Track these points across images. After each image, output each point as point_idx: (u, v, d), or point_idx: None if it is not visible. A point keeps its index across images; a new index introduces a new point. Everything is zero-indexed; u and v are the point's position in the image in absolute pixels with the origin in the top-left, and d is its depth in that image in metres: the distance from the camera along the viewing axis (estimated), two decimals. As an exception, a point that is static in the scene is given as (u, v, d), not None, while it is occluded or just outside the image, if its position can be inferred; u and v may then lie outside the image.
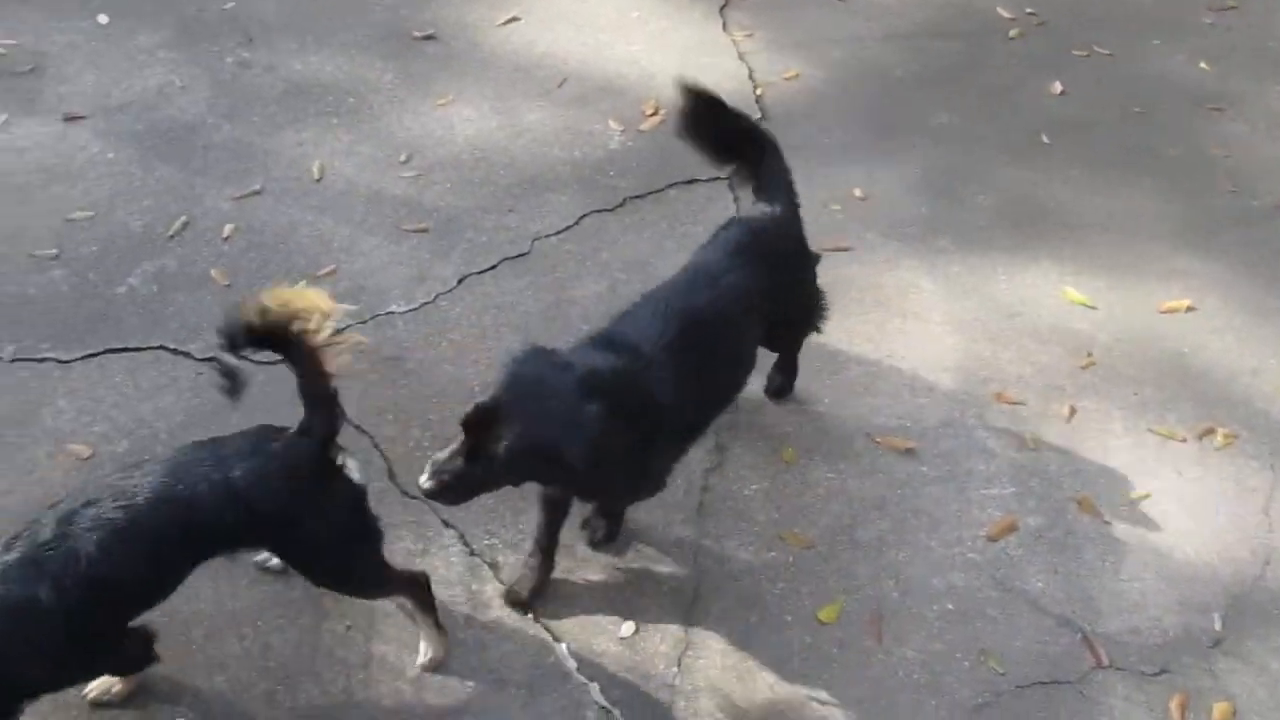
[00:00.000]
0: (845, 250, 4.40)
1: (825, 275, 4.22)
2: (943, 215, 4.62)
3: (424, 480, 2.64)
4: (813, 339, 4.01)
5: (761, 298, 3.16)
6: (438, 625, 2.97)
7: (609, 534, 3.32)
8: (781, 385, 3.79)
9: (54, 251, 4.13)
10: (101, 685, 2.84)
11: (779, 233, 3.31)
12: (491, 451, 2.58)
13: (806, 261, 3.52)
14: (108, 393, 3.65)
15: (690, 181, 4.62)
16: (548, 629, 3.14)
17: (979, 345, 4.08)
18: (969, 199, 4.71)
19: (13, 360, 3.73)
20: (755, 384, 3.82)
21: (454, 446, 2.64)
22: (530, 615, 3.16)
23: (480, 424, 2.60)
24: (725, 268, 3.11)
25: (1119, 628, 3.26)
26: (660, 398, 2.82)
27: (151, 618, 2.74)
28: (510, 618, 3.14)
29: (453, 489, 2.67)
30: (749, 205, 3.37)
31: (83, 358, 3.76)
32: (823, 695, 3.05)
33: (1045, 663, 3.18)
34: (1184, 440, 3.77)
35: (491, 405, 2.62)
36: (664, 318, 2.92)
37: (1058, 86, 5.27)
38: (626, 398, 2.71)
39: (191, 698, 2.92)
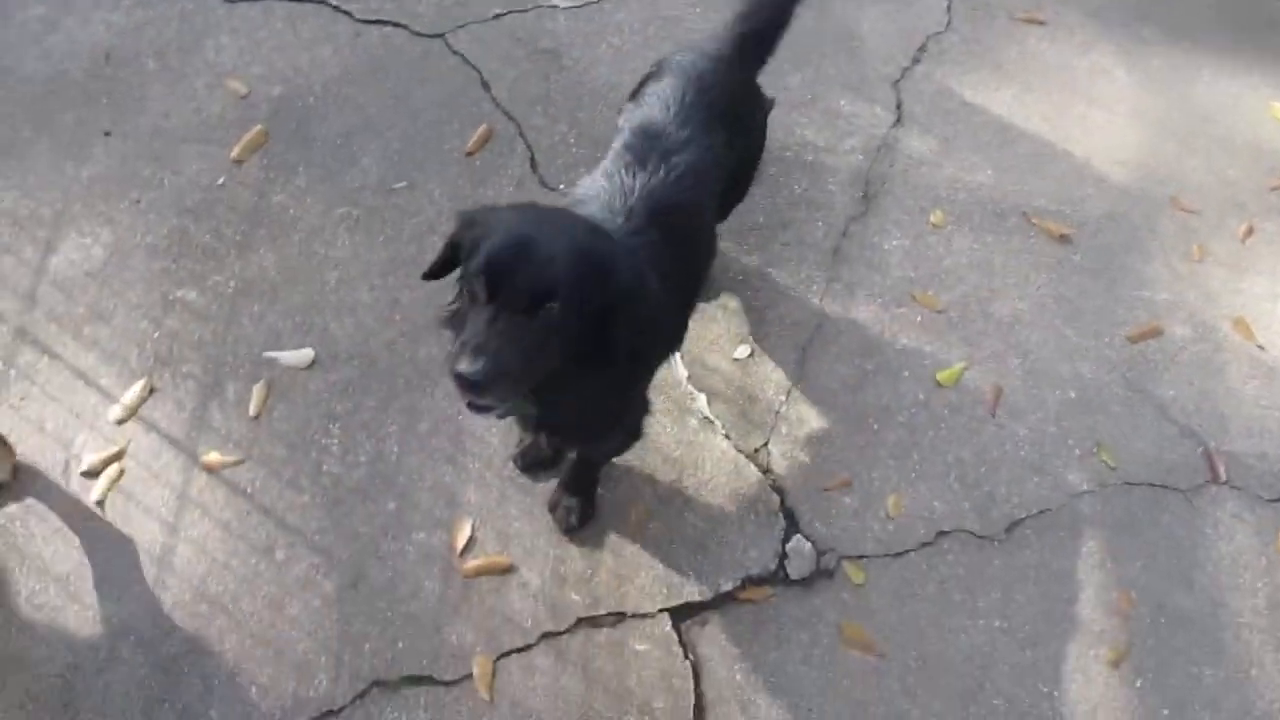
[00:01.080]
0: (1039, 24, 4.07)
1: (1014, 47, 3.95)
2: (1154, 3, 4.21)
3: (464, 365, 1.77)
4: (990, 108, 3.78)
5: (719, 169, 2.60)
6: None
7: (582, 515, 2.81)
8: None
9: (229, -110, 4.05)
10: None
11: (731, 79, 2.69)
12: (550, 294, 1.85)
13: (762, 118, 2.93)
14: (269, 36, 3.65)
15: (887, -77, 4.27)
16: (664, 336, 3.14)
17: (1164, 145, 3.79)
18: (1189, -9, 4.27)
19: (181, -10, 3.73)
20: (915, 143, 3.64)
21: (470, 314, 1.88)
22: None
23: (519, 261, 1.86)
24: (679, 142, 2.48)
25: (1245, 449, 3.13)
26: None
27: (287, 258, 2.80)
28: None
29: (511, 363, 1.82)
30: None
31: (248, -1, 3.74)
32: (925, 450, 3.02)
33: (1159, 467, 3.08)
34: (1366, 280, 3.50)
35: (526, 233, 1.90)
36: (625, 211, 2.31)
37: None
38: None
39: (320, 333, 3.03)
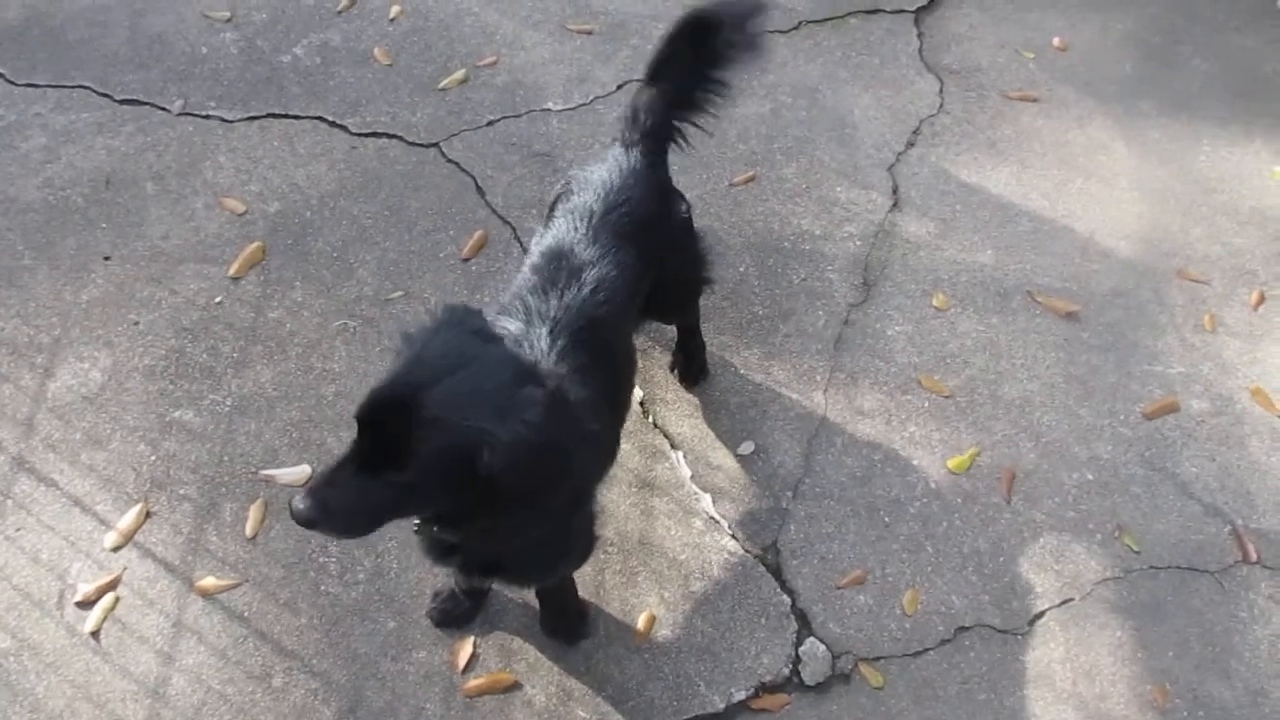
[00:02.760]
0: (1033, 101, 4.07)
1: (1008, 125, 3.95)
2: (1150, 76, 4.21)
3: (298, 502, 1.79)
4: (987, 188, 3.77)
5: (636, 282, 2.51)
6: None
7: (579, 623, 2.73)
8: (688, 366, 3.17)
9: (227, 15, 4.15)
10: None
11: (641, 195, 2.58)
12: (401, 457, 1.76)
13: (680, 225, 2.80)
14: (265, 154, 3.70)
15: (873, 11, 4.34)
16: (665, 435, 3.09)
17: (1167, 217, 3.74)
18: (1183, 62, 4.26)
19: (180, 114, 3.80)
20: (913, 226, 3.64)
21: (343, 454, 1.82)
22: (649, 419, 3.11)
23: (384, 417, 1.79)
24: (589, 259, 2.42)
25: (1275, 526, 3.01)
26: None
27: (284, 373, 2.77)
28: (630, 418, 3.10)
29: (342, 516, 1.83)
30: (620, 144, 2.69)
31: (245, 119, 3.80)
32: (940, 541, 2.93)
33: (1186, 549, 2.97)
34: (1386, 344, 3.41)
35: (398, 391, 1.81)
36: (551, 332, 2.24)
37: (1306, -51, 4.67)
38: (560, 396, 1.97)
39: (317, 448, 3.00)
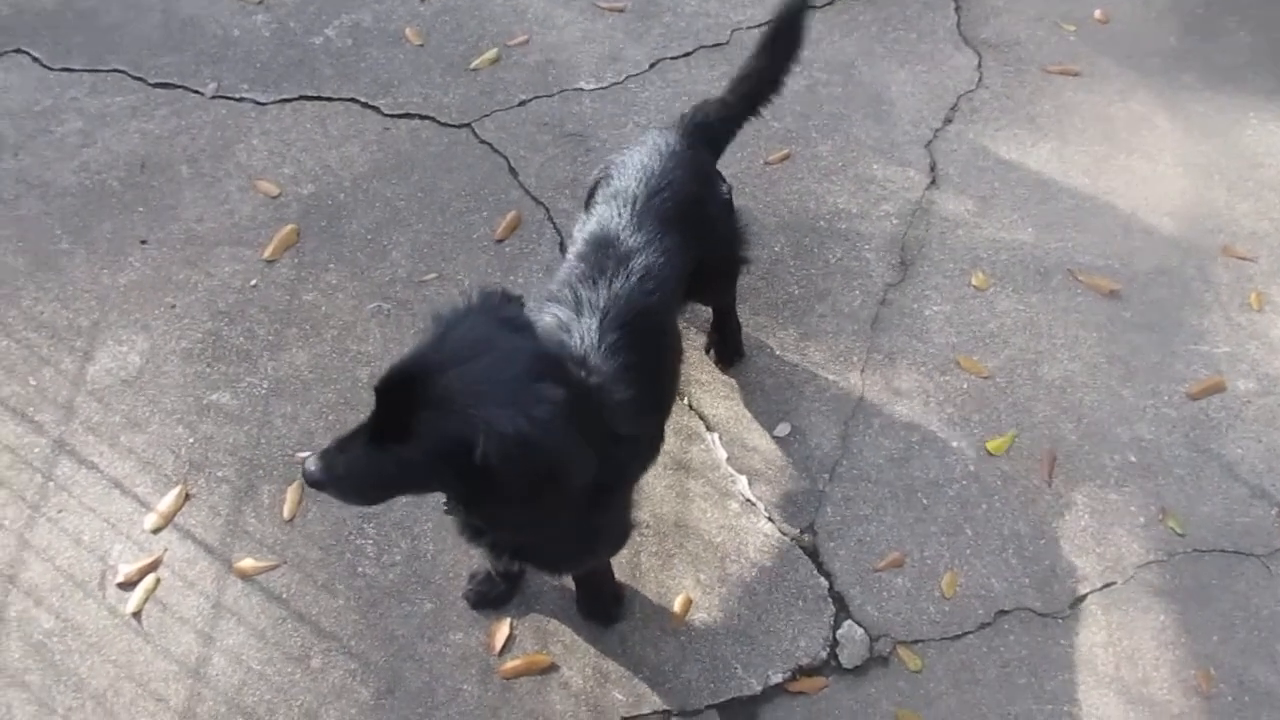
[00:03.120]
0: (1074, 75, 3.99)
1: (1048, 100, 3.88)
2: (1193, 48, 4.11)
3: (310, 462, 1.85)
4: (1027, 164, 3.71)
5: (680, 270, 2.48)
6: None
7: (615, 606, 2.73)
8: (724, 346, 3.15)
9: (259, -3, 4.15)
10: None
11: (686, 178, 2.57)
12: (406, 434, 1.78)
13: (722, 207, 2.77)
14: (298, 137, 3.69)
15: (911, -15, 4.26)
16: (701, 417, 3.07)
17: (1213, 192, 3.66)
18: (1227, 34, 4.16)
19: (213, 97, 3.80)
20: (951, 204, 3.58)
21: (360, 423, 1.86)
22: (684, 400, 3.09)
23: (396, 392, 1.82)
24: (635, 247, 2.39)
25: (1324, 508, 2.96)
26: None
27: (320, 356, 2.77)
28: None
29: (349, 482, 1.87)
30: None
31: (278, 101, 3.80)
32: (979, 524, 2.89)
33: (1231, 531, 2.92)
34: None
35: (414, 369, 1.83)
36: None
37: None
38: (586, 408, 1.94)
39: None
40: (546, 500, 1.86)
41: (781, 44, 2.83)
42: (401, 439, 1.78)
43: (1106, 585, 2.81)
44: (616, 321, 2.22)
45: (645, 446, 2.35)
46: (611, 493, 2.20)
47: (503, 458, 1.72)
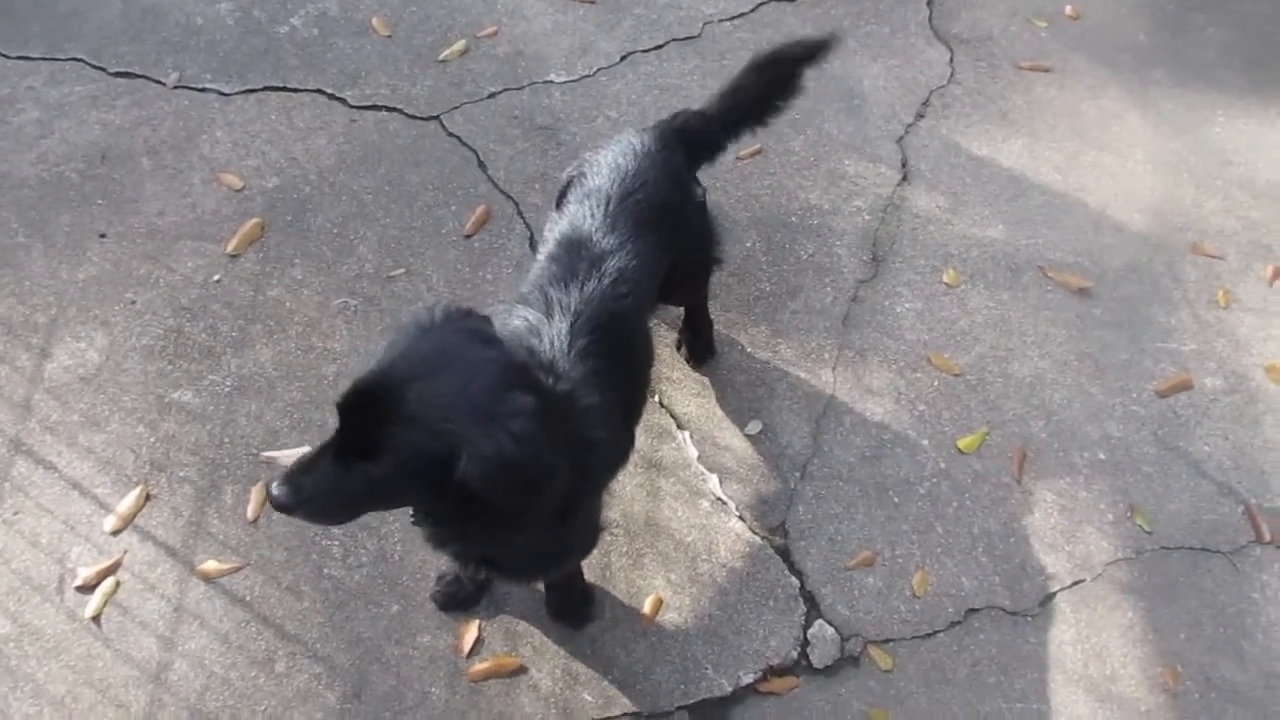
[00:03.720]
0: (1045, 71, 3.99)
1: (1020, 96, 3.87)
2: (1163, 45, 4.12)
3: (275, 487, 1.78)
4: (999, 160, 3.71)
5: (654, 272, 2.45)
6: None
7: (585, 606, 2.71)
8: (695, 343, 3.13)
9: (223, -16, 4.07)
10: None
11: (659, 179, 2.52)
12: (374, 452, 1.73)
13: (695, 209, 2.73)
14: (263, 128, 3.62)
15: (883, -21, 4.24)
16: (672, 415, 3.04)
17: (1181, 190, 3.67)
18: (1197, 30, 4.18)
19: (175, 87, 3.72)
20: (923, 200, 3.58)
21: (325, 441, 1.80)
22: (655, 398, 3.06)
23: (361, 408, 1.76)
24: (608, 248, 2.35)
25: (1289, 506, 2.98)
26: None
27: (285, 353, 2.72)
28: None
29: (317, 503, 1.81)
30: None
31: (242, 92, 3.73)
32: (950, 522, 2.89)
33: (1199, 529, 2.94)
34: (1404, 320, 3.35)
35: (379, 383, 1.76)
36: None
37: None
38: (556, 414, 1.91)
39: (318, 429, 2.96)
40: (521, 512, 1.83)
41: (775, 74, 2.77)
42: (369, 456, 1.73)
43: (1076, 583, 2.82)
44: (588, 326, 2.18)
45: (615, 452, 2.32)
46: (581, 499, 2.17)
47: (484, 478, 1.69)
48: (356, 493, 1.79)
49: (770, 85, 2.78)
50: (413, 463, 1.72)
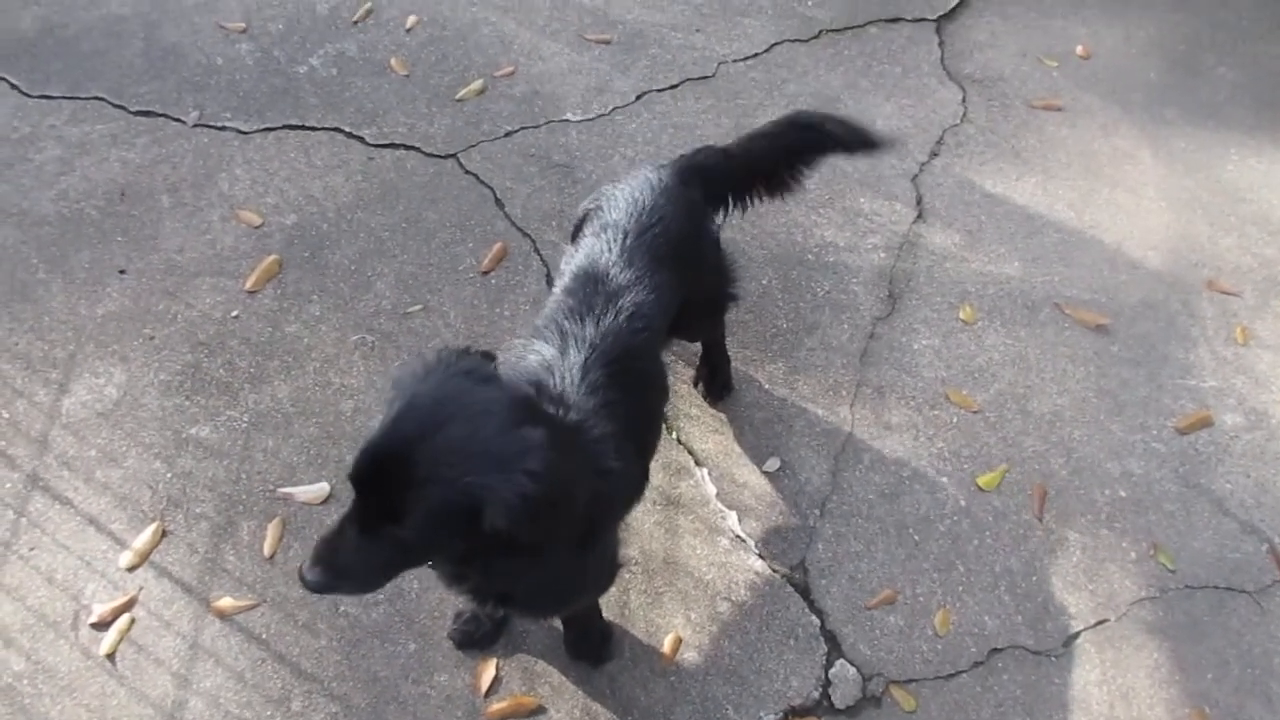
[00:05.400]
0: (1057, 109, 4.01)
1: (1033, 135, 3.90)
2: (1175, 84, 4.15)
3: (307, 572, 1.78)
4: (1013, 198, 3.72)
5: (668, 309, 2.46)
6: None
7: (604, 644, 2.68)
8: (712, 380, 3.12)
9: (242, 25, 4.11)
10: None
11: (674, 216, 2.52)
12: (398, 515, 1.72)
13: (708, 246, 2.71)
14: (281, 166, 3.65)
15: (894, 20, 4.28)
16: (690, 451, 3.03)
17: (1196, 227, 3.68)
18: (1208, 70, 4.20)
19: (195, 125, 3.76)
20: (938, 237, 3.58)
21: (344, 513, 1.79)
22: (672, 435, 3.05)
23: (378, 477, 1.74)
24: (624, 284, 2.35)
25: (1314, 544, 2.95)
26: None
27: (302, 389, 2.71)
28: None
29: (353, 577, 1.82)
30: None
31: (261, 130, 3.76)
32: (971, 560, 2.87)
33: (1223, 568, 2.91)
34: None
35: (389, 448, 1.74)
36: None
37: (1332, -44, 4.61)
38: (567, 442, 1.95)
39: (335, 465, 2.95)
40: (549, 542, 1.82)
41: (812, 138, 2.77)
42: (393, 519, 1.72)
43: (1100, 622, 2.79)
44: (601, 360, 2.18)
45: (629, 483, 2.30)
46: (599, 529, 2.16)
47: (512, 521, 1.69)
48: (388, 559, 1.79)
49: (802, 145, 2.77)
50: (439, 520, 1.71)
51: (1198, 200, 3.76)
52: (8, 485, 2.87)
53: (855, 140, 2.78)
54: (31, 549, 2.77)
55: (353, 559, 1.77)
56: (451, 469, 1.69)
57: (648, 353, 2.36)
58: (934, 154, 3.84)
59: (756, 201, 2.82)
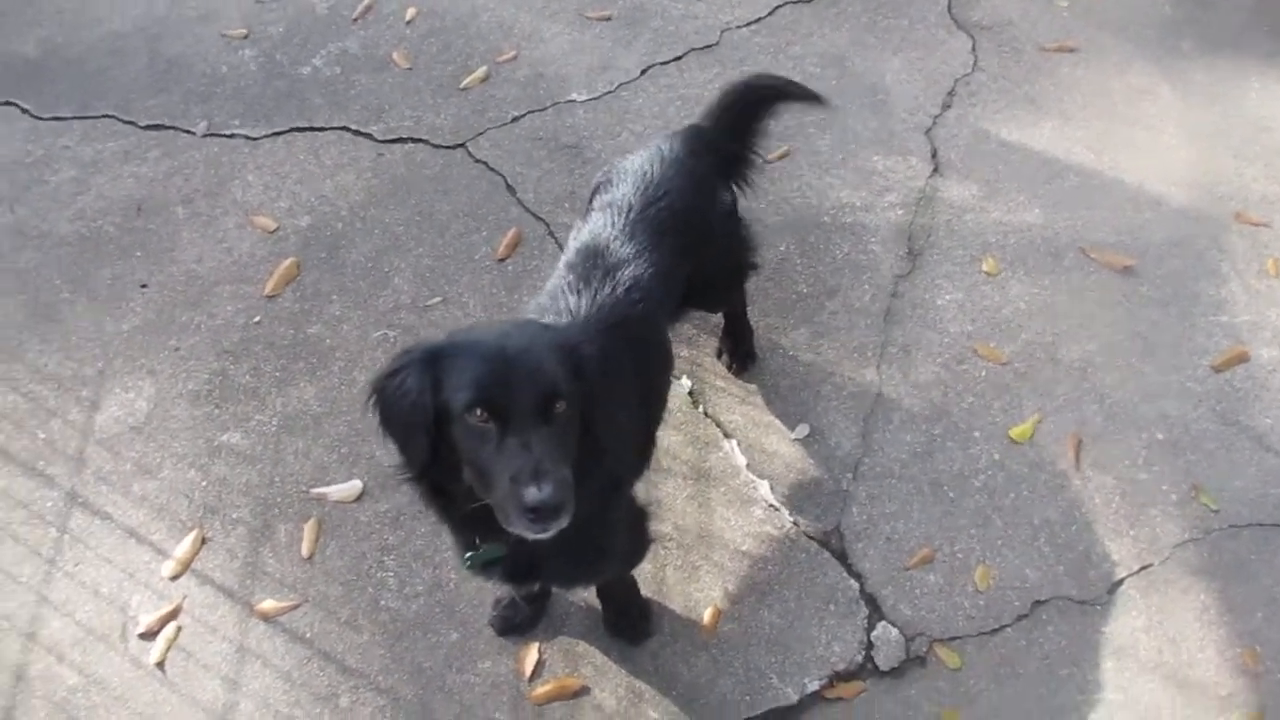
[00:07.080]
0: (1070, 51, 3.94)
1: (1046, 79, 3.83)
2: (1189, 16, 4.06)
3: (535, 494, 1.73)
4: (1030, 144, 3.66)
5: (672, 279, 2.48)
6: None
7: (643, 622, 2.68)
8: (735, 350, 3.10)
9: (244, 32, 4.13)
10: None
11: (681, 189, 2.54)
12: (550, 396, 1.81)
13: (723, 215, 2.73)
14: (293, 169, 3.66)
15: (898, -28, 4.21)
16: (717, 424, 3.02)
17: (1220, 160, 3.60)
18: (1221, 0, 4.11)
19: (204, 135, 3.78)
20: (956, 190, 3.54)
21: (499, 440, 1.80)
22: (699, 409, 3.04)
23: (504, 384, 1.81)
24: (625, 256, 2.38)
25: (1360, 474, 2.89)
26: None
27: (328, 388, 2.73)
28: (679, 410, 3.03)
29: (566, 480, 1.79)
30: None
31: (269, 135, 3.77)
32: (1008, 514, 2.84)
33: (1266, 504, 2.86)
34: None
35: (497, 358, 1.83)
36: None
37: None
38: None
39: (366, 462, 2.97)
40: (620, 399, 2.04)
41: (744, 108, 2.80)
42: (548, 403, 1.80)
43: (1143, 568, 2.75)
44: (602, 321, 2.22)
45: (636, 447, 2.33)
46: (614, 489, 2.20)
47: (597, 368, 1.88)
48: (569, 446, 1.85)
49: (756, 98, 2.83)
50: (570, 381, 1.83)
51: (1220, 132, 3.68)
52: (49, 503, 2.92)
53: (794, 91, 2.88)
54: (76, 564, 2.81)
55: (556, 456, 1.78)
56: (544, 340, 1.87)
57: (647, 324, 2.37)
58: (946, 106, 3.78)
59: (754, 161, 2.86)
